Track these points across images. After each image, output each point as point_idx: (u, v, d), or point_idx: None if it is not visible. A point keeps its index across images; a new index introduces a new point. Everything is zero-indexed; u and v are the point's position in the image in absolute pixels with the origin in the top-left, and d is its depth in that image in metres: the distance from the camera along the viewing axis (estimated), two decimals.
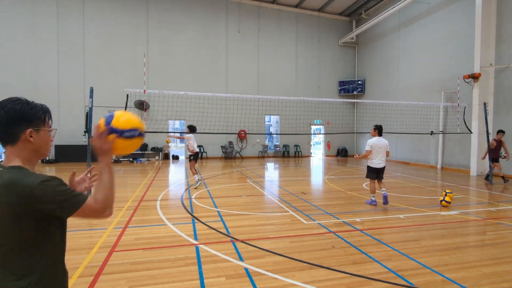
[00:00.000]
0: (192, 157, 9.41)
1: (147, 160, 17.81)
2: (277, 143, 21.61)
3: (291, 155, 20.83)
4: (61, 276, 1.40)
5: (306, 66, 21.19)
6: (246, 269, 3.61)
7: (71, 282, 3.26)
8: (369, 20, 19.20)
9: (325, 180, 10.93)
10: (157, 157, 18.25)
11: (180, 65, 18.63)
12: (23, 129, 1.32)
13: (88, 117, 7.16)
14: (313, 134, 22.43)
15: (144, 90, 8.80)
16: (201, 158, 18.93)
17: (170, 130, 19.91)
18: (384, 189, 6.95)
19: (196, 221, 5.56)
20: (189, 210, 6.39)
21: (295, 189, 8.87)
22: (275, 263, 3.77)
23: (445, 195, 6.80)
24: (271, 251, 4.16)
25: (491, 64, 12.37)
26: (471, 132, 12.03)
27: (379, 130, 7.14)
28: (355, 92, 21.43)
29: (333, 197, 7.98)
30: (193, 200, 7.36)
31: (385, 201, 6.78)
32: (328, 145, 21.99)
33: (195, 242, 4.49)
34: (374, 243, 4.52)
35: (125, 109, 8.37)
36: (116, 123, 1.50)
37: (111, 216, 5.67)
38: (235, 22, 19.57)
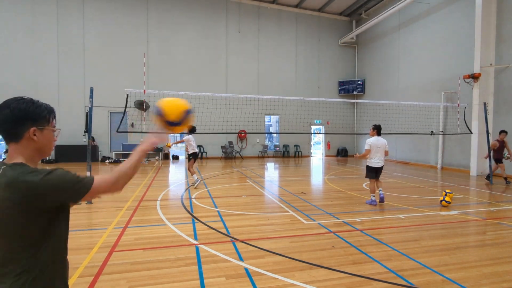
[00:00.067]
0: (191, 157, 9.41)
1: (147, 160, 17.81)
2: (277, 143, 21.61)
3: (291, 155, 20.83)
4: (61, 271, 1.40)
5: (306, 66, 21.19)
6: (246, 269, 3.61)
7: (71, 282, 3.26)
8: (369, 20, 19.20)
9: (325, 180, 10.93)
10: (157, 157, 18.25)
11: (180, 65, 18.63)
12: (28, 127, 1.33)
13: (88, 117, 7.16)
14: (313, 133, 22.42)
15: (144, 90, 8.81)
16: (201, 158, 18.94)
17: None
18: (381, 188, 7.06)
19: (196, 221, 5.56)
20: (189, 210, 6.39)
21: (295, 189, 8.87)
22: (275, 263, 3.77)
23: (445, 195, 6.80)
24: (271, 251, 4.16)
25: (491, 64, 12.36)
26: (471, 133, 12.02)
27: (377, 130, 7.16)
28: (355, 92, 21.44)
29: (333, 197, 7.98)
30: (193, 200, 7.36)
31: (382, 200, 7.02)
32: (328, 145, 21.99)
33: (195, 242, 4.49)
34: (374, 243, 4.52)
35: (125, 109, 8.38)
36: (170, 116, 1.75)
37: (111, 216, 5.67)
38: (235, 22, 19.57)
